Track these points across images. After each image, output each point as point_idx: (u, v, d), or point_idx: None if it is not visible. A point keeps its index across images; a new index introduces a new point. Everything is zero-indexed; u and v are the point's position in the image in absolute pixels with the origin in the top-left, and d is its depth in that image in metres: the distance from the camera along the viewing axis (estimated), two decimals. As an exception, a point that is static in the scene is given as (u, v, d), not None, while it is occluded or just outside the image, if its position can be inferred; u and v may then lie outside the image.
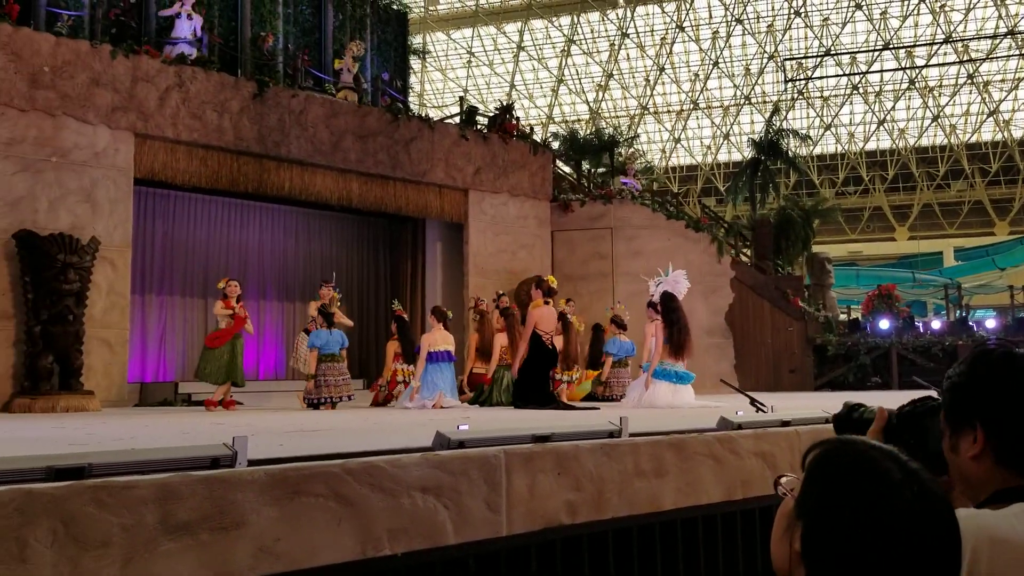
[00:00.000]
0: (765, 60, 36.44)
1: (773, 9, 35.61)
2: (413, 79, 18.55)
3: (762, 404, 6.97)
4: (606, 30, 37.23)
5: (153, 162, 10.80)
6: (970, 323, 17.21)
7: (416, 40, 18.11)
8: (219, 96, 11.27)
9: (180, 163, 11.04)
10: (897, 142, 38.60)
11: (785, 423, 5.78)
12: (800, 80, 33.97)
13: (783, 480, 1.29)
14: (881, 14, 34.87)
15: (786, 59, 33.11)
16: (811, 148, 36.81)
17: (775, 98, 35.52)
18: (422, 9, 34.35)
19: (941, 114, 37.59)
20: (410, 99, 16.22)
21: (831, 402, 2.80)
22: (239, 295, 9.84)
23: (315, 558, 3.26)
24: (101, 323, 10.10)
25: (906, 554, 1.13)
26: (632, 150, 19.43)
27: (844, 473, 1.19)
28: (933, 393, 1.65)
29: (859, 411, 1.76)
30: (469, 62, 38.57)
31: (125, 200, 10.53)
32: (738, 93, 37.81)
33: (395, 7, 15.60)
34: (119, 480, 2.83)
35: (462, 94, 24.01)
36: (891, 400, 1.76)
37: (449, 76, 38.68)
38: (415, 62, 17.68)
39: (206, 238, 13.17)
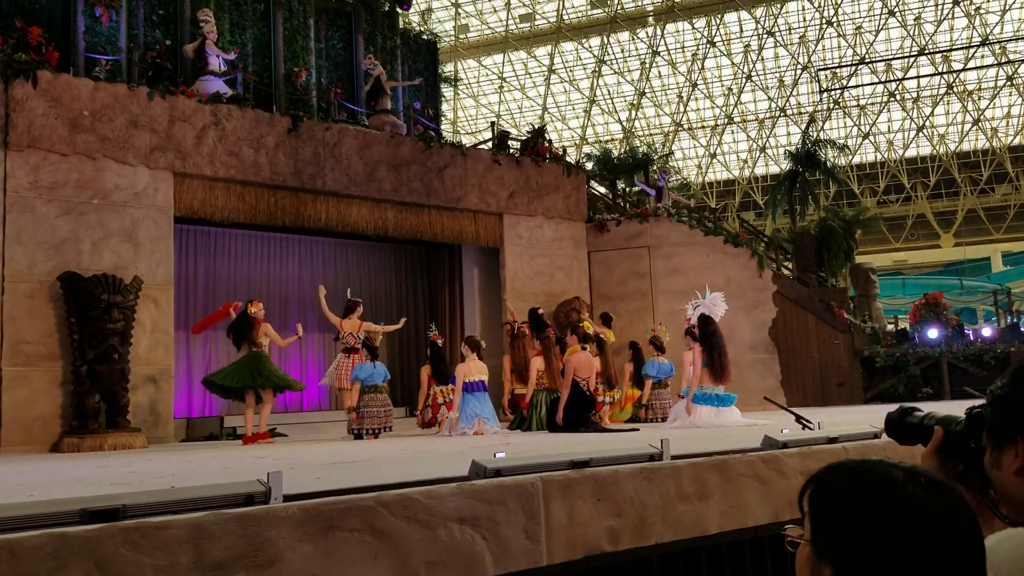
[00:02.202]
0: (799, 71, 36.17)
1: (805, 20, 35.37)
2: (445, 107, 18.70)
3: (808, 421, 6.83)
4: (636, 49, 37.26)
5: (192, 200, 10.97)
6: (1022, 329, 16.76)
7: (447, 68, 18.25)
8: (255, 132, 11.43)
9: (218, 200, 11.20)
10: (938, 148, 37.99)
11: (832, 440, 5.64)
12: (835, 90, 33.63)
13: (789, 529, 1.27)
14: (915, 19, 34.46)
15: (820, 69, 32.81)
16: (850, 158, 36.37)
17: (811, 109, 35.20)
18: (452, 37, 34.67)
19: (982, 117, 36.95)
20: (443, 126, 16.34)
21: (881, 415, 2.72)
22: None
23: (353, 593, 3.22)
24: (146, 360, 10.23)
25: (933, 553, 1.11)
26: (660, 159, 19.36)
27: (846, 494, 1.17)
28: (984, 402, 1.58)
29: (912, 414, 1.69)
30: (501, 87, 38.81)
31: (166, 238, 10.69)
32: (773, 105, 37.55)
33: (425, 37, 15.75)
34: (152, 521, 2.83)
35: (494, 119, 24.13)
36: (944, 410, 1.69)
37: (481, 102, 38.94)
38: (447, 90, 17.82)
39: (247, 272, 13.32)
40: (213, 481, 3.67)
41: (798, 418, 6.98)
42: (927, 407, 1.72)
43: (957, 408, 1.65)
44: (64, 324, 9.64)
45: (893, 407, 1.75)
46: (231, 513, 2.99)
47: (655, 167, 18.06)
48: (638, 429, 9.95)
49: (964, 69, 33.58)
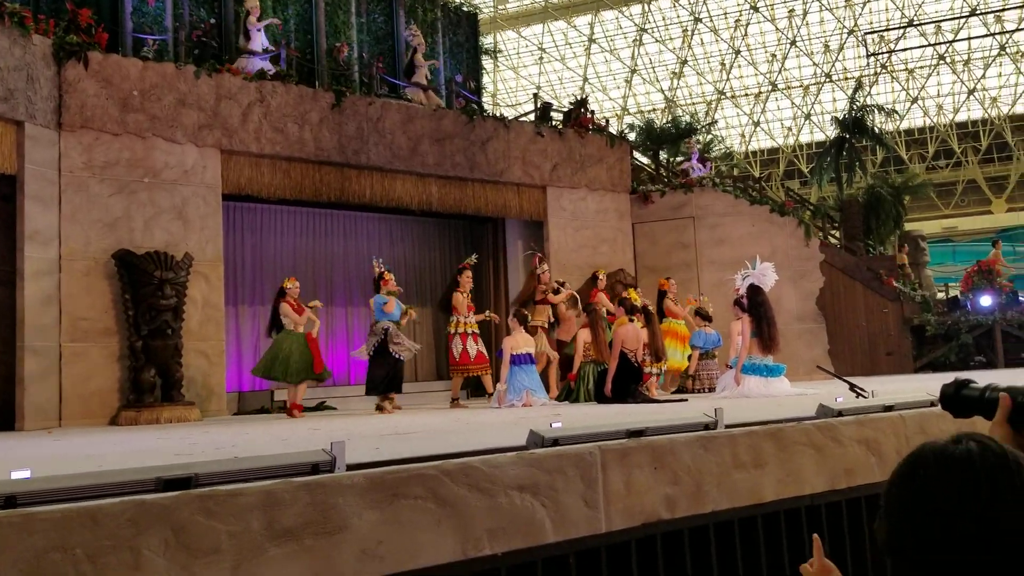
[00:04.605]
0: (845, 35, 35.40)
1: (851, -18, 34.58)
2: (486, 79, 18.63)
3: (862, 389, 6.76)
4: (678, 16, 36.71)
5: (239, 177, 11.10)
6: (1079, 295, 16.37)
7: (487, 40, 18.16)
8: (299, 109, 11.50)
9: (264, 176, 11.32)
10: (989, 111, 37.03)
11: (888, 408, 5.59)
12: (883, 54, 32.88)
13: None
14: (966, -21, 33.49)
15: (867, 32, 32.07)
16: (898, 123, 35.62)
17: (857, 74, 34.44)
18: (492, 9, 34.46)
19: (1036, 79, 35.91)
20: (484, 99, 16.29)
21: (933, 384, 2.69)
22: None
23: (417, 559, 3.28)
24: (198, 336, 10.42)
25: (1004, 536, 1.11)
26: (703, 129, 19.13)
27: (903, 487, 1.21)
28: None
29: (969, 387, 1.67)
30: (541, 58, 38.53)
31: (215, 215, 10.84)
32: (818, 71, 36.83)
33: (465, 8, 15.67)
34: (225, 488, 2.90)
35: (535, 91, 23.99)
36: (998, 379, 1.65)
37: (521, 74, 38.72)
38: (487, 62, 17.74)
39: (293, 248, 13.46)
40: (273, 452, 3.75)
41: (852, 386, 6.92)
42: (981, 376, 1.69)
43: (1013, 377, 1.62)
44: (119, 301, 9.85)
45: (945, 376, 1.73)
46: (299, 481, 3.06)
47: (695, 139, 17.80)
48: (686, 399, 9.94)
49: (1017, 30, 32.60)
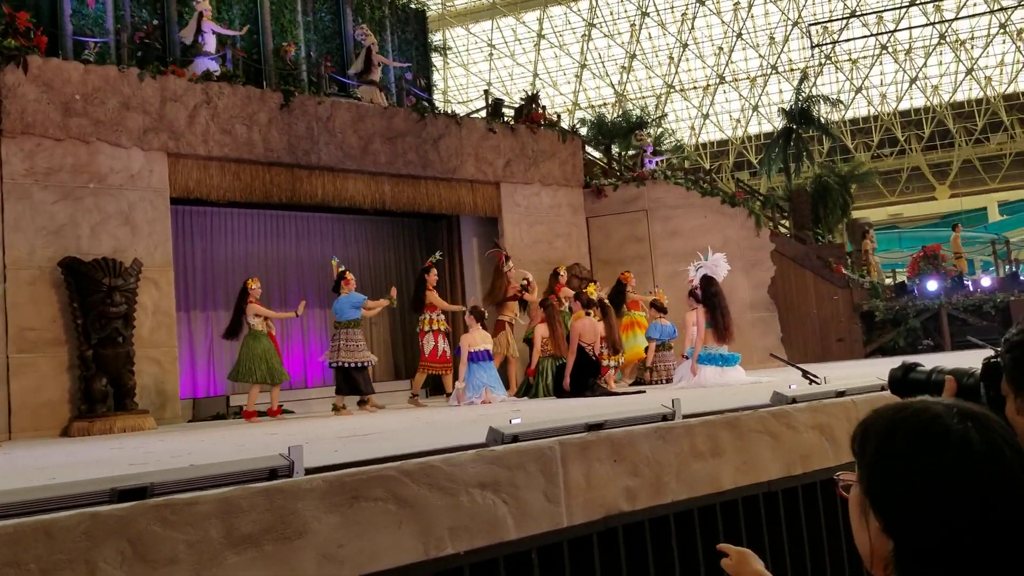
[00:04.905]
0: (789, 27, 35.93)
1: (794, -25, 35.08)
2: (436, 76, 18.55)
3: (815, 376, 6.88)
4: (625, 11, 36.95)
5: (187, 180, 10.93)
6: (1021, 278, 16.82)
7: (436, 37, 18.11)
8: (247, 109, 11.36)
9: (213, 179, 11.16)
10: (931, 99, 37.85)
11: (840, 393, 5.70)
12: (827, 44, 33.43)
13: (842, 475, 1.29)
14: (905, -30, 34.16)
15: (811, 24, 32.56)
16: (843, 113, 36.29)
17: (802, 65, 34.97)
18: (440, 6, 34.35)
19: (975, 67, 36.78)
20: (435, 97, 16.23)
21: (883, 368, 2.76)
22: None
23: (378, 561, 3.27)
24: (150, 343, 10.25)
25: (984, 493, 1.11)
26: (652, 122, 19.31)
27: (894, 435, 1.18)
28: (991, 351, 1.60)
29: (916, 370, 1.70)
30: (491, 55, 38.53)
31: (163, 220, 10.66)
32: (764, 63, 37.33)
33: (413, 6, 15.59)
34: (181, 497, 2.86)
35: (486, 87, 23.96)
36: (947, 362, 1.70)
37: (472, 71, 38.67)
38: (437, 59, 17.68)
39: (245, 251, 13.30)
40: (229, 459, 3.70)
41: (805, 373, 7.03)
42: (929, 359, 1.73)
43: (959, 359, 1.67)
44: (67, 309, 9.64)
45: (894, 360, 1.76)
46: (257, 487, 3.03)
47: (646, 132, 17.97)
48: (644, 391, 10.03)
49: (956, 19, 33.37)
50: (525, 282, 11.82)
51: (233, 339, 10.08)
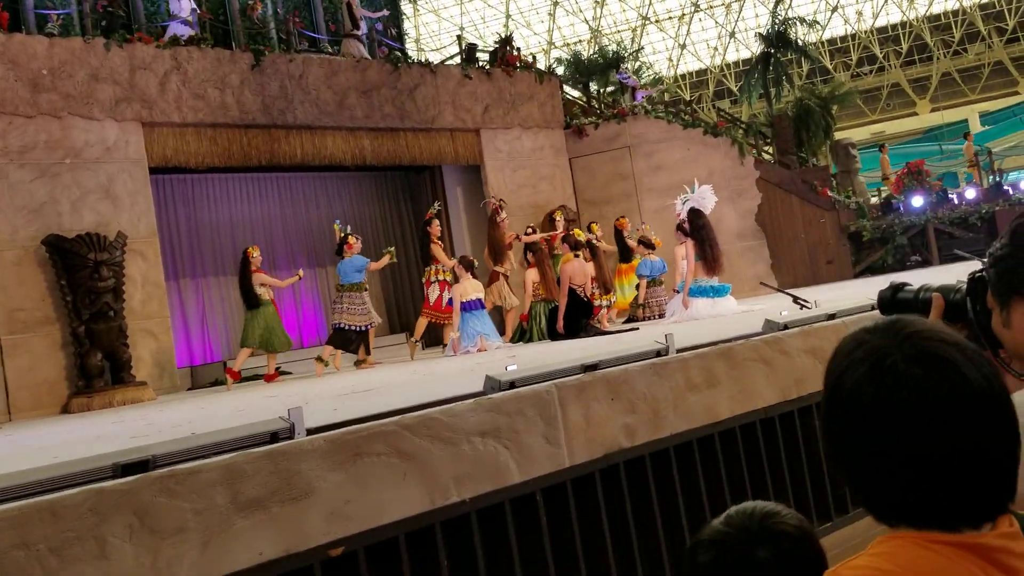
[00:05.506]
0: (762, -51, 35.33)
1: None
2: (407, 25, 18.27)
3: (805, 301, 6.92)
4: (595, -56, 36.25)
5: (164, 148, 10.81)
6: (1005, 187, 16.85)
7: (405, -16, 17.78)
8: (217, 72, 11.19)
9: (190, 146, 11.04)
10: (908, 13, 37.47)
11: (831, 316, 5.74)
12: (800, -36, 32.90)
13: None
14: None
15: (783, -55, 32.03)
16: (820, 33, 35.88)
17: (777, -13, 34.44)
18: (406, -48, 33.61)
19: (951, -23, 36.34)
20: (407, 46, 16.00)
21: (872, 288, 2.77)
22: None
23: (386, 514, 3.31)
24: (142, 314, 10.24)
25: (960, 425, 1.10)
26: (629, 57, 19.14)
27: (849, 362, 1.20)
28: (978, 264, 1.60)
29: (904, 290, 1.71)
30: (461, -1, 37.83)
31: (144, 191, 10.57)
32: (739, -12, 36.78)
33: (379, -47, 15.27)
34: (185, 467, 2.88)
35: (459, 33, 23.61)
36: (935, 277, 1.71)
37: (443, 16, 38.02)
38: (407, 6, 17.38)
39: (229, 216, 13.21)
40: (230, 424, 3.73)
41: (795, 299, 7.07)
42: (917, 275, 1.73)
43: (947, 273, 1.67)
44: (55, 287, 9.60)
45: (883, 279, 1.76)
46: (259, 451, 3.05)
47: (624, 66, 17.82)
48: (638, 328, 10.09)
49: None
50: (530, 230, 11.79)
51: (255, 308, 10.02)
